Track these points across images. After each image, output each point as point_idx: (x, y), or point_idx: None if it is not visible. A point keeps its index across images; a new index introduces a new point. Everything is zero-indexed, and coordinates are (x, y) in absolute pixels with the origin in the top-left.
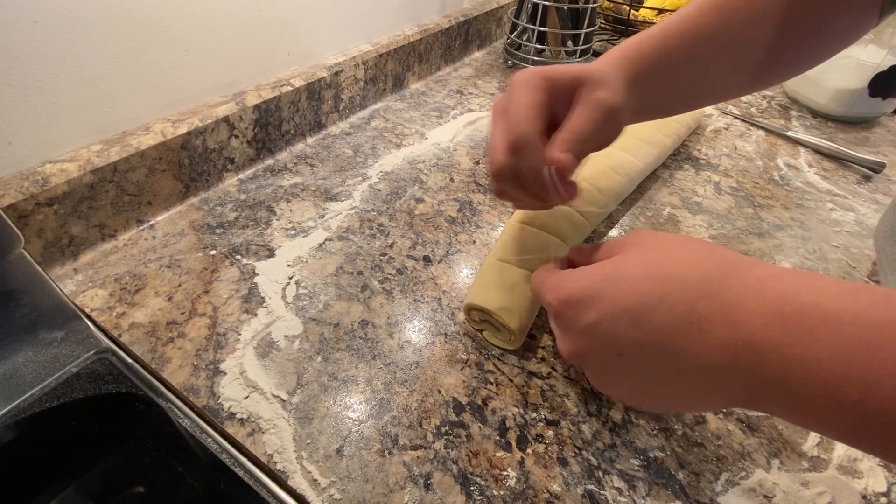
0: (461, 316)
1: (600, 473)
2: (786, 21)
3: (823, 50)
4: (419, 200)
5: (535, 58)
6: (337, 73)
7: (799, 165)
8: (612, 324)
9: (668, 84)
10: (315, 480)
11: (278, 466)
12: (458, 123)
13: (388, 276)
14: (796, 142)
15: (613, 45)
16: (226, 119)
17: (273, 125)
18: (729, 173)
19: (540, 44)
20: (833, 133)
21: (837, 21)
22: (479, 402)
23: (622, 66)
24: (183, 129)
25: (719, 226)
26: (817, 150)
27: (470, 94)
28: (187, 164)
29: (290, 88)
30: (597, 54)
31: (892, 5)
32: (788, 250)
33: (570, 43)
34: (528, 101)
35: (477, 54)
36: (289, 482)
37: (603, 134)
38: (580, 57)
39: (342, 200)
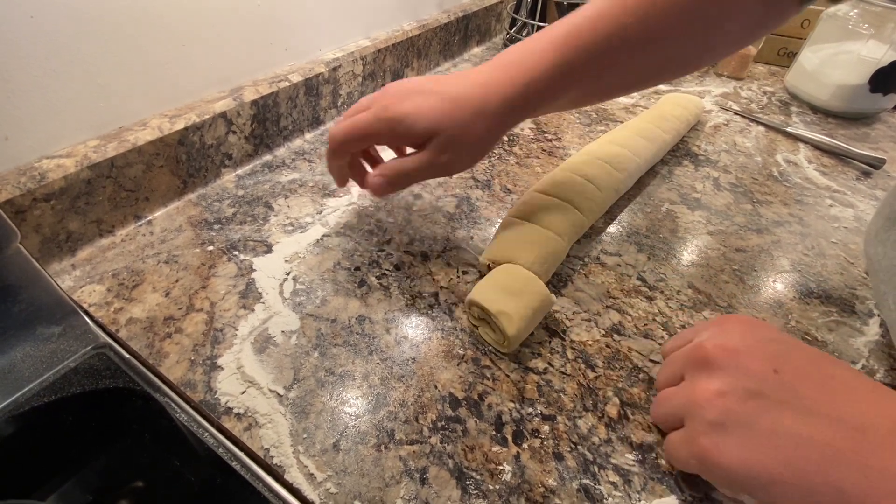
0: (458, 311)
1: (596, 468)
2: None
3: (731, 45)
4: (417, 196)
5: None
6: (335, 69)
7: (798, 161)
8: (784, 347)
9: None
10: (311, 474)
11: (275, 461)
12: None
13: (386, 272)
14: (796, 138)
15: None
16: (223, 115)
17: (271, 121)
18: (728, 169)
19: None
20: (833, 129)
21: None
22: (476, 397)
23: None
24: (180, 125)
25: (718, 222)
26: (817, 146)
27: None
28: (185, 159)
29: (287, 84)
30: None
31: None
32: (787, 246)
33: None
34: None
35: (476, 50)
36: (285, 476)
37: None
38: None
39: (340, 196)
